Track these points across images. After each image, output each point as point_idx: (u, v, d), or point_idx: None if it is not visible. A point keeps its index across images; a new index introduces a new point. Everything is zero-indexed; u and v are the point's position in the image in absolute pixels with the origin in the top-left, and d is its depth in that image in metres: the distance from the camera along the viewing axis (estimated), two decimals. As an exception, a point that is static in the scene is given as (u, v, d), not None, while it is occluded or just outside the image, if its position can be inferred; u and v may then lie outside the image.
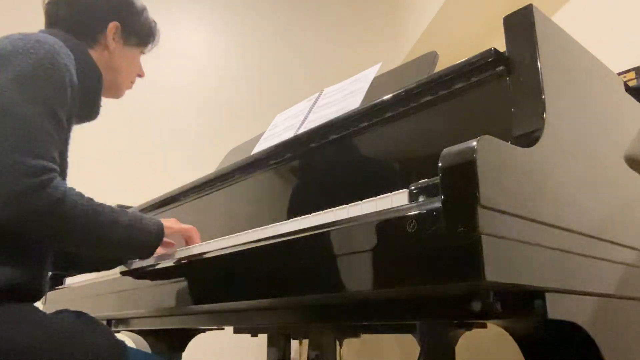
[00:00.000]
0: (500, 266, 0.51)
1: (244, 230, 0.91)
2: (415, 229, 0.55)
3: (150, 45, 1.18)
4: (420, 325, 1.35)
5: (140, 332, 1.61)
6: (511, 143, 0.64)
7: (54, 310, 0.93)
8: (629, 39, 1.62)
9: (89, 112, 1.08)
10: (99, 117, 1.16)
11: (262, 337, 1.68)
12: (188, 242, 1.11)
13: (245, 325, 1.56)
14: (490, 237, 0.51)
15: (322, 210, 0.76)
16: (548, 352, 0.67)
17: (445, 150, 0.56)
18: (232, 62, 2.93)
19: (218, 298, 0.86)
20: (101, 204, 0.91)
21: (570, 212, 0.67)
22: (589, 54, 0.90)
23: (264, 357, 1.59)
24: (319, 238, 0.68)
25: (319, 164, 1.09)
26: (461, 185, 0.53)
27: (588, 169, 0.77)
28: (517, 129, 0.70)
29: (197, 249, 1.01)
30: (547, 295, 0.57)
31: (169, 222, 1.06)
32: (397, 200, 0.64)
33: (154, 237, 1.00)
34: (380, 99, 0.95)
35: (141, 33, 1.14)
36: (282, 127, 1.35)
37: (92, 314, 0.95)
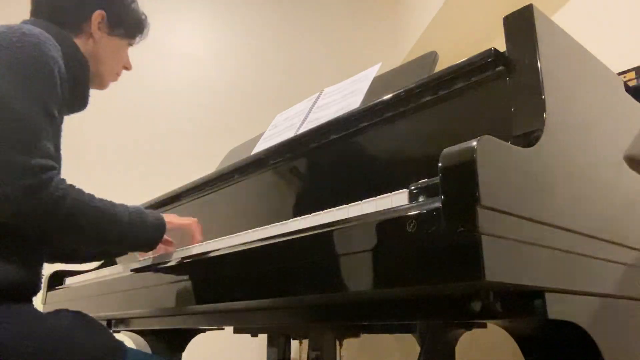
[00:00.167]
0: (500, 266, 0.51)
1: (244, 230, 0.91)
2: (415, 229, 0.55)
3: (138, 38, 1.16)
4: (420, 325, 1.35)
5: (140, 332, 1.61)
6: (511, 143, 0.64)
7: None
8: (629, 39, 1.62)
9: (78, 102, 1.06)
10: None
11: (262, 337, 1.68)
12: (190, 236, 1.11)
13: (245, 325, 1.55)
14: (490, 237, 0.51)
15: (322, 210, 0.76)
16: (548, 352, 0.67)
17: (445, 150, 0.56)
18: (232, 62, 2.93)
19: (218, 298, 0.86)
20: (102, 200, 0.91)
21: (570, 212, 0.67)
22: (589, 54, 0.90)
23: (264, 357, 1.59)
24: (319, 238, 0.68)
25: (319, 164, 1.09)
26: (461, 185, 0.53)
27: (588, 168, 0.77)
28: (517, 129, 0.70)
29: (196, 248, 1.01)
30: (547, 295, 0.57)
31: (170, 217, 1.06)
32: (397, 200, 0.64)
33: (156, 232, 1.00)
34: (380, 99, 0.95)
35: (128, 24, 1.11)
36: (282, 127, 1.35)
37: (92, 314, 0.95)
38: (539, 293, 0.57)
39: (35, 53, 0.86)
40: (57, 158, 0.91)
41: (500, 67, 0.76)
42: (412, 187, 0.63)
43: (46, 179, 0.80)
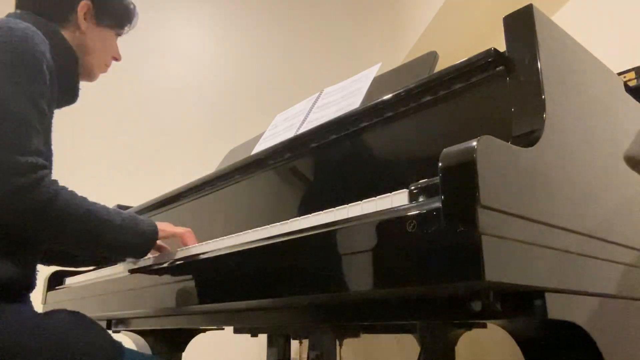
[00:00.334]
0: (500, 266, 0.51)
1: (244, 231, 0.91)
2: (415, 229, 0.55)
3: (126, 28, 1.14)
4: (420, 325, 1.35)
5: (140, 332, 1.61)
6: (511, 143, 0.64)
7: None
8: (629, 39, 1.62)
9: (68, 96, 1.04)
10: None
11: (262, 337, 1.68)
12: (183, 244, 1.11)
13: (245, 325, 1.55)
14: (490, 237, 0.51)
15: (322, 210, 0.76)
16: (548, 352, 0.67)
17: (445, 150, 0.56)
18: (232, 62, 2.93)
19: (218, 298, 0.86)
20: (94, 203, 0.90)
21: (570, 212, 0.67)
22: (589, 54, 0.90)
23: (264, 357, 1.59)
24: (319, 238, 0.68)
25: (319, 164, 1.09)
26: (461, 185, 0.53)
27: (588, 168, 0.77)
28: (517, 129, 0.70)
29: (196, 249, 1.01)
30: (547, 295, 0.57)
31: (163, 225, 1.06)
32: (397, 200, 0.64)
33: (147, 239, 1.00)
34: (380, 99, 0.95)
35: (116, 14, 1.10)
36: (282, 127, 1.35)
37: (92, 314, 0.95)
38: (539, 293, 0.57)
39: (22, 48, 0.84)
40: (48, 154, 0.90)
41: (500, 67, 0.76)
42: (412, 187, 0.63)
43: (37, 178, 0.80)
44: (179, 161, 2.62)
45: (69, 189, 0.87)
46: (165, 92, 2.74)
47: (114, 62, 1.17)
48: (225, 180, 1.34)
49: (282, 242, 0.73)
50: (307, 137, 1.10)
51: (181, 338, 1.76)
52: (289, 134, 1.25)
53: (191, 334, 1.80)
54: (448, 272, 0.52)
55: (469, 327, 1.38)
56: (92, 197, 0.90)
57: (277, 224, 0.83)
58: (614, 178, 0.84)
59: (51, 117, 0.94)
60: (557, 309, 0.58)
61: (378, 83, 1.17)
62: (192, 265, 0.93)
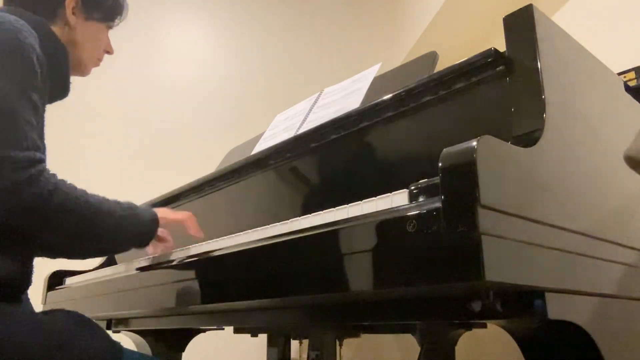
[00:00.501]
0: (500, 266, 0.51)
1: (244, 231, 0.91)
2: (415, 229, 0.55)
3: (117, 20, 1.12)
4: (420, 325, 1.35)
5: (140, 332, 1.61)
6: (511, 143, 0.64)
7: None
8: (629, 39, 1.62)
9: (59, 90, 1.02)
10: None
11: (262, 337, 1.68)
12: (186, 229, 1.10)
13: (245, 325, 1.56)
14: (490, 237, 0.51)
15: (322, 210, 0.76)
16: (548, 352, 0.67)
17: (445, 150, 0.56)
18: (232, 62, 2.93)
19: (218, 298, 0.86)
20: (94, 195, 0.90)
21: (570, 212, 0.67)
22: (589, 54, 0.90)
23: (264, 357, 1.60)
24: (319, 238, 0.68)
25: (319, 164, 1.09)
26: (461, 185, 0.53)
27: (588, 168, 0.77)
28: (517, 129, 0.70)
29: (196, 248, 1.01)
30: (547, 295, 0.57)
31: (163, 212, 1.05)
32: (397, 200, 0.64)
33: (148, 227, 0.99)
34: (380, 99, 0.95)
35: (105, 7, 1.07)
36: (282, 127, 1.35)
37: (92, 314, 0.95)
38: (539, 293, 0.58)
39: (12, 41, 0.83)
40: (42, 149, 0.90)
41: (500, 67, 0.76)
42: (412, 187, 0.63)
43: (36, 173, 0.79)
44: (179, 161, 2.62)
45: (68, 181, 0.87)
46: (165, 92, 2.74)
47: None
48: (225, 180, 1.34)
49: (282, 242, 0.73)
50: (307, 137, 1.10)
51: (181, 338, 1.76)
52: (289, 134, 1.25)
53: (191, 334, 1.80)
54: (448, 272, 0.52)
55: (469, 327, 1.38)
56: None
57: (277, 224, 0.83)
58: (614, 178, 0.84)
59: (44, 112, 0.93)
60: (557, 309, 0.58)
61: (378, 83, 1.17)
62: (192, 265, 0.93)
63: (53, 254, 1.26)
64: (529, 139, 0.66)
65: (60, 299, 1.49)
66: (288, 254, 0.73)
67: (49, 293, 1.59)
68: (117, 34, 1.16)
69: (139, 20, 2.66)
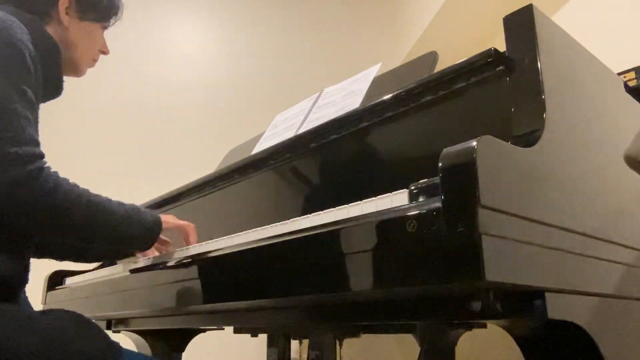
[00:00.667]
0: (500, 266, 0.51)
1: (244, 231, 0.91)
2: (415, 229, 0.55)
3: (112, 20, 1.10)
4: (420, 325, 1.35)
5: (140, 332, 1.61)
6: (511, 143, 0.64)
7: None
8: (629, 39, 1.62)
9: (52, 89, 1.01)
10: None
11: (262, 337, 1.68)
12: (185, 238, 1.11)
13: (245, 325, 1.56)
14: (490, 237, 0.51)
15: (322, 210, 0.76)
16: (548, 352, 0.67)
17: (445, 150, 0.56)
18: (232, 62, 2.93)
19: (218, 298, 0.86)
20: (97, 195, 0.89)
21: (570, 212, 0.67)
22: (589, 54, 0.90)
23: (264, 357, 1.59)
24: (319, 238, 0.68)
25: (319, 164, 1.09)
26: (461, 185, 0.53)
27: (588, 168, 0.77)
28: (517, 129, 0.70)
29: (196, 248, 1.01)
30: (547, 295, 0.57)
31: (167, 217, 1.05)
32: (397, 200, 0.64)
33: (151, 230, 0.99)
34: (380, 99, 0.95)
35: (99, 7, 1.06)
36: (282, 127, 1.35)
37: (92, 314, 0.95)
38: (539, 293, 0.58)
39: (4, 38, 0.83)
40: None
41: (500, 67, 0.76)
42: (412, 187, 0.63)
43: (36, 169, 0.79)
44: (179, 161, 2.62)
45: (70, 180, 0.86)
46: (165, 92, 2.74)
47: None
48: (225, 180, 1.34)
49: (282, 242, 0.73)
50: (307, 137, 1.10)
51: (181, 338, 1.76)
52: (289, 134, 1.25)
53: (191, 334, 1.80)
54: (448, 272, 0.52)
55: (469, 327, 1.38)
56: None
57: (277, 224, 0.83)
58: (614, 178, 0.84)
59: (38, 109, 0.92)
60: (557, 309, 0.58)
61: (378, 83, 1.17)
62: (192, 265, 0.93)
63: (59, 256, 1.26)
64: (529, 139, 0.66)
65: (61, 299, 1.49)
66: (288, 254, 0.72)
67: (49, 293, 1.59)
68: (117, 35, 1.16)
69: (139, 20, 2.67)
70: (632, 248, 0.81)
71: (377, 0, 3.29)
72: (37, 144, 0.82)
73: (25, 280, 0.91)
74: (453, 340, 1.41)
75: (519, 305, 0.58)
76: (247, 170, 1.26)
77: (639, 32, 1.60)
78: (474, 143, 0.53)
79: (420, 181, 0.63)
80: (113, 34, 1.13)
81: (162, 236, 1.04)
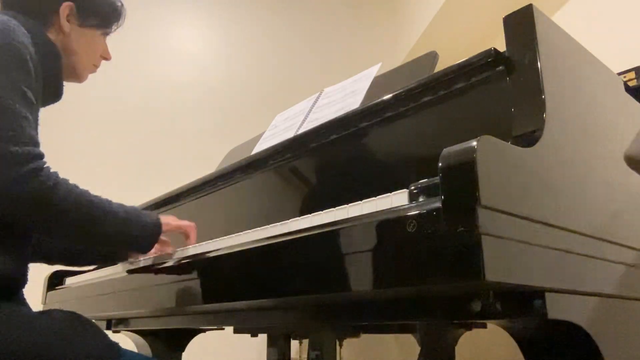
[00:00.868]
0: (500, 266, 0.51)
1: (244, 231, 0.91)
2: (415, 229, 0.55)
3: (114, 26, 1.11)
4: (420, 325, 1.35)
5: (140, 332, 1.61)
6: (511, 143, 0.64)
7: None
8: (629, 39, 1.62)
9: (52, 93, 1.01)
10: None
11: (262, 337, 1.68)
12: (185, 238, 1.11)
13: (245, 325, 1.55)
14: (490, 237, 0.51)
15: (322, 210, 0.76)
16: (548, 352, 0.67)
17: (445, 150, 0.56)
18: (232, 62, 2.93)
19: (218, 298, 0.86)
20: (97, 196, 0.89)
21: (570, 212, 0.67)
22: (589, 54, 0.90)
23: (264, 357, 1.59)
24: (319, 238, 0.68)
25: (319, 164, 1.09)
26: (461, 185, 0.53)
27: (588, 168, 0.77)
28: (517, 129, 0.70)
29: (196, 248, 1.01)
30: (547, 295, 0.57)
31: (167, 218, 1.05)
32: (397, 200, 0.64)
33: (151, 232, 0.98)
34: (380, 99, 0.95)
35: (101, 13, 1.06)
36: (282, 127, 1.35)
37: (92, 314, 0.95)
38: (539, 293, 0.58)
39: (5, 40, 0.83)
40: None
41: (500, 67, 0.76)
42: (412, 187, 0.63)
43: (36, 168, 0.79)
44: (179, 161, 2.62)
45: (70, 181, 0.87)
46: (165, 92, 2.74)
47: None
48: (225, 180, 1.34)
49: (282, 242, 0.73)
50: (307, 137, 1.10)
51: (181, 338, 1.76)
52: (289, 134, 1.25)
53: (191, 334, 1.80)
54: (448, 272, 0.52)
55: (469, 327, 1.38)
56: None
57: (277, 224, 0.83)
58: (614, 178, 0.84)
59: (38, 111, 0.92)
60: (557, 309, 0.58)
61: (378, 83, 1.17)
62: (192, 265, 0.93)
63: (52, 258, 1.26)
64: (529, 139, 0.66)
65: (61, 299, 1.49)
66: (288, 254, 0.72)
67: (49, 293, 1.60)
68: (117, 35, 1.16)
69: (139, 20, 2.66)
70: (632, 248, 0.81)
71: (377, 0, 3.29)
72: (37, 144, 0.83)
73: (25, 280, 0.91)
74: (453, 340, 1.41)
75: (519, 305, 0.58)
76: (247, 170, 1.26)
77: (639, 32, 1.60)
78: (474, 143, 0.53)
79: (420, 181, 0.63)
80: (113, 34, 1.13)
81: (162, 237, 1.04)
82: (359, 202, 0.70)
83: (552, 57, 0.74)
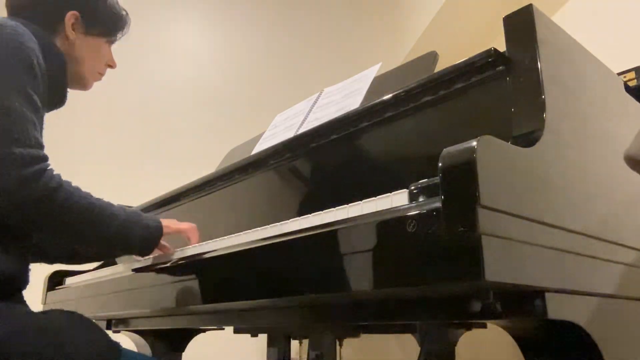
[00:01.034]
0: (500, 266, 0.51)
1: (244, 230, 0.91)
2: (415, 229, 0.55)
3: (119, 35, 1.12)
4: (420, 325, 1.35)
5: (140, 332, 1.61)
6: (511, 143, 0.64)
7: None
8: (629, 39, 1.62)
9: (56, 98, 1.02)
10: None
11: (262, 337, 1.68)
12: (187, 241, 1.11)
13: (245, 325, 1.55)
14: (490, 237, 0.51)
15: (322, 210, 0.76)
16: (548, 352, 0.67)
17: (445, 150, 0.56)
18: (232, 62, 2.93)
19: (218, 298, 0.86)
20: (99, 199, 0.90)
21: (570, 212, 0.67)
22: (589, 54, 0.90)
23: (264, 357, 1.59)
24: (319, 238, 0.68)
25: (319, 164, 1.09)
26: (461, 185, 0.53)
27: (588, 168, 0.77)
28: (517, 129, 0.70)
29: (197, 249, 1.01)
30: (547, 295, 0.57)
31: (168, 221, 1.05)
32: (397, 200, 0.64)
33: (152, 235, 0.99)
34: (380, 99, 0.95)
35: (105, 22, 1.08)
36: (282, 127, 1.35)
37: (92, 314, 0.95)
38: (539, 293, 0.58)
39: (14, 44, 0.85)
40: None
41: (500, 67, 0.76)
42: (412, 187, 0.63)
43: (39, 170, 0.80)
44: (179, 161, 2.62)
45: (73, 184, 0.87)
46: (165, 92, 2.74)
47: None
48: (225, 180, 1.34)
49: (282, 242, 0.73)
50: (307, 137, 1.10)
51: (181, 338, 1.76)
52: (289, 134, 1.25)
53: (191, 334, 1.80)
54: (448, 272, 0.52)
55: (469, 327, 1.38)
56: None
57: (277, 224, 0.83)
58: (614, 178, 0.84)
59: (43, 115, 0.93)
60: (557, 308, 0.58)
61: (378, 83, 1.17)
62: (192, 265, 0.93)
63: (51, 258, 1.26)
64: (529, 139, 0.66)
65: (61, 299, 1.49)
66: (288, 254, 0.73)
67: (49, 293, 1.60)
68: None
69: (139, 20, 2.66)
70: (632, 248, 0.81)
71: (377, 0, 3.29)
72: (41, 146, 0.83)
73: (26, 280, 0.91)
74: (453, 340, 1.41)
75: (519, 305, 0.58)
76: (247, 170, 1.26)
77: (639, 32, 1.60)
78: (474, 143, 0.53)
79: (420, 181, 0.63)
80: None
81: (162, 241, 1.04)
82: (359, 202, 0.70)
83: (552, 57, 0.74)
